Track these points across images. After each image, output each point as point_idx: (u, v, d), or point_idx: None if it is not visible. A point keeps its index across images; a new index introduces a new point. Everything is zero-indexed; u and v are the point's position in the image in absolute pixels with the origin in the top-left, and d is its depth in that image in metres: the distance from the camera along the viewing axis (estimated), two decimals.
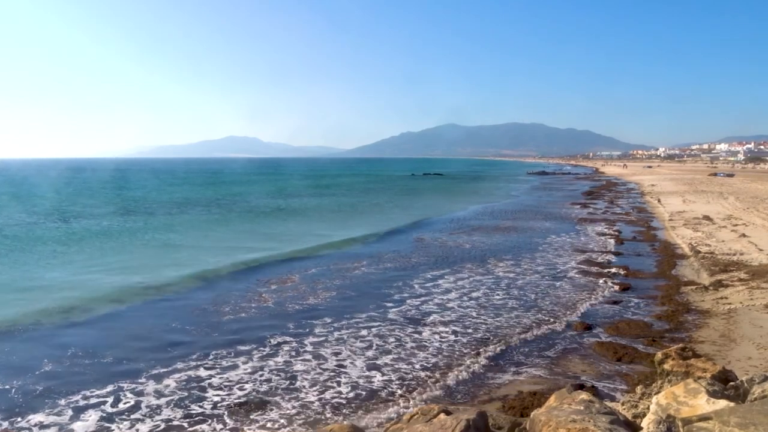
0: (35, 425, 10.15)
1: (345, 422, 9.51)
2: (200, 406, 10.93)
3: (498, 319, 16.67)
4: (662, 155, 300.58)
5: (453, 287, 20.60)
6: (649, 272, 22.89)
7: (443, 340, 14.81)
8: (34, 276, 22.64)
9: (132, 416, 10.50)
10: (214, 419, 10.41)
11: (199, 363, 13.13)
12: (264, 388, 11.78)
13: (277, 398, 11.26)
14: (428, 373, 12.56)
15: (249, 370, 12.69)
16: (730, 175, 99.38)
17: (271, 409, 10.78)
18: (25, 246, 29.80)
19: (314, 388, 11.75)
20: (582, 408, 4.83)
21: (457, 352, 13.89)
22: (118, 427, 10.12)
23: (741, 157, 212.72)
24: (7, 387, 11.67)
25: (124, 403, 11.02)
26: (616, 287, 20.28)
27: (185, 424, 10.24)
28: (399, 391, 11.63)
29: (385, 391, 11.67)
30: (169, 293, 19.98)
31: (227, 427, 10.13)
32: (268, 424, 10.20)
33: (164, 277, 22.12)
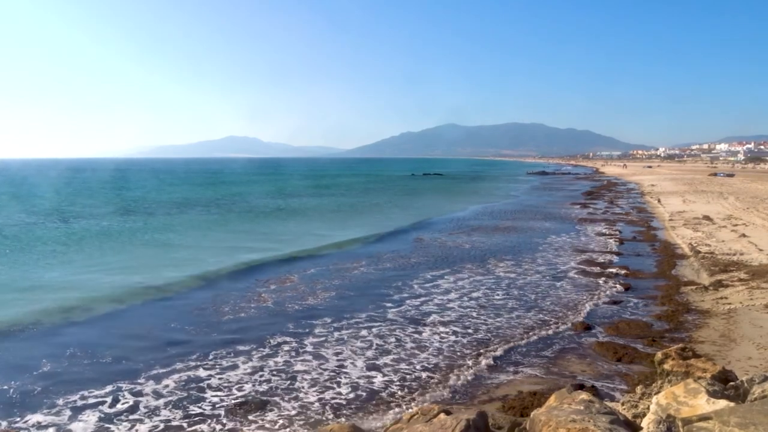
0: (33, 425, 10.12)
1: (345, 422, 9.50)
2: (199, 407, 10.91)
3: (498, 319, 16.66)
4: (662, 155, 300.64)
5: (453, 287, 20.60)
6: (649, 272, 22.88)
7: (443, 340, 14.80)
8: (33, 276, 22.64)
9: (131, 417, 10.47)
10: (214, 420, 10.38)
11: (198, 363, 13.12)
12: (264, 388, 11.76)
13: (277, 398, 11.24)
14: (428, 374, 12.55)
15: (248, 371, 12.67)
16: (730, 175, 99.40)
17: (271, 410, 10.76)
18: (25, 246, 29.79)
19: (314, 389, 11.73)
20: (582, 408, 4.82)
21: (458, 353, 13.88)
22: (117, 428, 10.09)
23: (741, 157, 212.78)
24: (6, 387, 11.66)
25: (123, 404, 10.99)
26: (616, 287, 20.28)
27: (184, 425, 10.22)
28: (399, 392, 11.62)
29: (386, 391, 11.65)
30: (169, 293, 19.96)
31: (226, 428, 10.11)
32: (268, 425, 10.18)
33: (163, 277, 22.11)
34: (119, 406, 10.88)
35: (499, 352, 13.86)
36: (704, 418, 3.79)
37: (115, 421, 10.33)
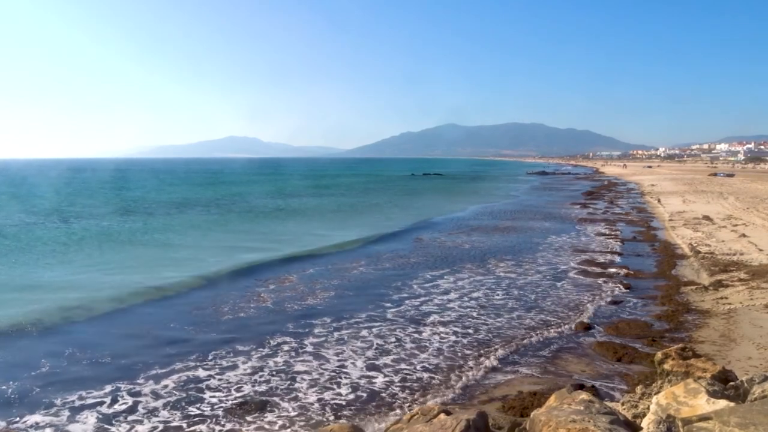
0: (32, 426, 10.10)
1: (345, 423, 9.49)
2: (199, 407, 10.88)
3: (498, 319, 16.65)
4: (662, 155, 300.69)
5: (452, 287, 20.59)
6: (649, 272, 22.88)
7: (443, 340, 14.78)
8: (32, 275, 22.63)
9: (129, 417, 10.44)
10: (213, 420, 10.36)
11: (197, 363, 13.09)
12: (263, 388, 11.73)
13: (277, 399, 11.22)
14: (429, 374, 12.54)
15: (248, 371, 12.65)
16: (730, 175, 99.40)
17: (271, 410, 10.73)
18: (24, 246, 29.78)
19: (314, 389, 11.70)
20: (582, 408, 4.82)
21: (458, 353, 13.87)
22: (116, 429, 10.06)
23: (741, 157, 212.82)
24: (5, 387, 11.63)
25: (122, 404, 10.96)
26: (616, 287, 20.28)
27: (183, 425, 10.19)
28: (400, 393, 11.60)
29: (386, 392, 11.64)
30: (168, 293, 19.94)
31: (225, 429, 10.08)
32: (268, 426, 10.17)
33: (163, 277, 22.10)
34: (118, 407, 10.85)
35: (499, 353, 13.85)
36: (704, 418, 3.78)
37: (113, 421, 10.30)
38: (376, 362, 13.21)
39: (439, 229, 37.31)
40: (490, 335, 15.20)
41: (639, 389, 6.01)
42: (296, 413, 10.63)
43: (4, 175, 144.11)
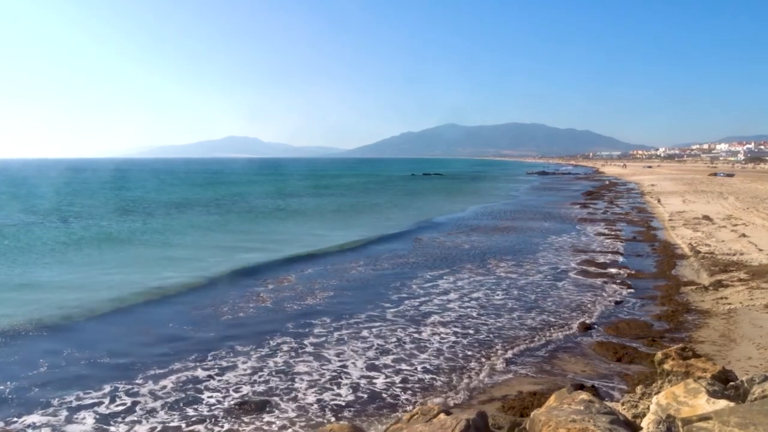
0: (29, 426, 10.09)
1: (345, 423, 9.48)
2: (198, 408, 10.85)
3: (499, 319, 16.64)
4: (662, 155, 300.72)
5: (452, 288, 20.57)
6: (649, 272, 22.87)
7: (443, 341, 14.77)
8: (31, 275, 22.61)
9: (127, 418, 10.40)
10: (212, 421, 10.33)
11: (196, 363, 13.07)
12: (263, 389, 11.71)
13: (277, 399, 11.19)
14: (429, 374, 12.52)
15: (247, 371, 12.63)
16: (730, 175, 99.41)
17: (271, 411, 10.71)
18: (24, 246, 29.77)
19: (314, 389, 11.68)
20: (582, 408, 4.81)
21: (458, 353, 13.86)
22: (114, 429, 10.03)
23: (741, 157, 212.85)
24: (2, 387, 11.62)
25: (120, 405, 10.93)
26: (616, 287, 20.27)
27: (182, 426, 10.16)
28: (399, 392, 11.59)
29: (386, 392, 11.62)
30: (167, 293, 19.91)
31: (224, 429, 10.06)
32: (267, 426, 10.15)
33: (162, 277, 22.09)
34: (116, 407, 10.82)
35: (499, 353, 13.84)
36: (704, 418, 3.77)
37: (111, 422, 10.27)
38: (377, 362, 13.19)
39: (439, 230, 37.31)
40: (490, 336, 15.18)
41: (639, 389, 6.00)
42: (296, 414, 10.60)
43: (4, 175, 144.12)
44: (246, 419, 10.37)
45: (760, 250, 24.39)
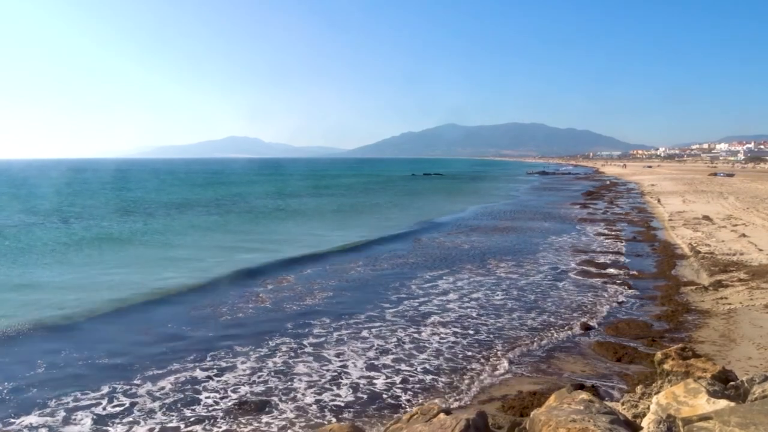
0: (26, 427, 10.06)
1: (345, 423, 9.47)
2: (196, 409, 10.81)
3: (499, 320, 16.62)
4: (662, 155, 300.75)
5: (452, 288, 20.56)
6: (649, 272, 22.86)
7: (443, 341, 14.75)
8: (31, 276, 22.60)
9: (125, 419, 10.37)
10: (210, 421, 10.30)
11: (195, 364, 13.05)
12: (262, 389, 11.68)
13: (276, 400, 11.16)
14: (429, 375, 12.51)
15: (247, 371, 12.60)
16: (730, 175, 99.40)
17: (270, 412, 10.69)
18: (24, 246, 29.76)
19: (313, 390, 11.65)
20: (582, 408, 4.80)
21: (458, 353, 13.85)
22: (112, 430, 9.99)
23: (741, 156, 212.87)
24: (0, 388, 11.59)
25: (118, 405, 10.90)
26: (616, 287, 20.26)
27: (181, 426, 10.13)
28: (400, 393, 11.57)
29: (386, 392, 11.60)
30: (167, 293, 19.88)
31: (223, 430, 10.02)
32: (266, 427, 10.12)
33: (162, 278, 22.09)
34: (114, 408, 10.78)
35: (499, 353, 13.83)
36: (704, 418, 3.77)
37: (109, 423, 10.23)
38: (376, 363, 13.17)
39: (439, 230, 37.29)
40: (490, 336, 15.16)
41: (639, 389, 5.99)
42: (295, 414, 10.57)
43: (5, 176, 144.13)
44: (245, 420, 10.34)
45: (760, 250, 24.38)
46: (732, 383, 5.18)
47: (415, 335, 15.17)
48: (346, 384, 11.96)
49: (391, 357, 13.54)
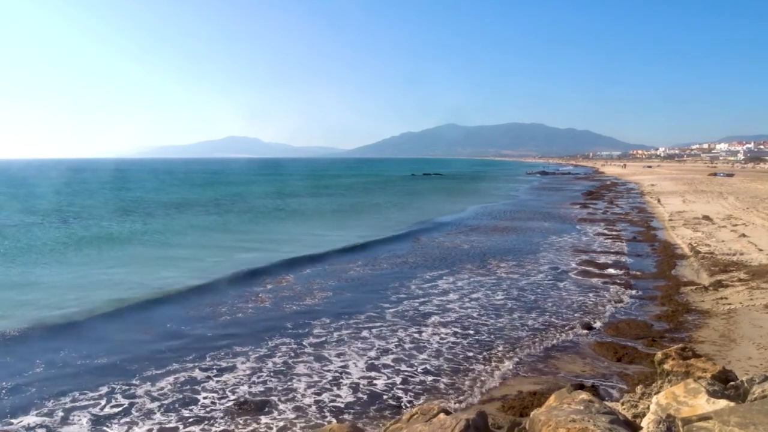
0: (24, 427, 10.03)
1: (345, 423, 9.46)
2: (195, 409, 10.79)
3: (499, 320, 16.61)
4: (662, 155, 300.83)
5: (452, 288, 20.54)
6: (649, 272, 22.86)
7: (443, 341, 14.75)
8: (30, 275, 22.56)
9: (123, 420, 10.33)
10: (209, 422, 10.27)
11: (194, 364, 13.03)
12: (262, 389, 11.66)
13: (276, 400, 11.16)
14: (429, 375, 12.49)
15: (246, 372, 12.58)
16: (730, 175, 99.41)
17: (270, 412, 10.67)
18: (23, 246, 29.73)
19: (313, 390, 11.63)
20: (582, 408, 4.79)
21: (458, 354, 13.84)
22: (111, 431, 9.99)
23: (741, 156, 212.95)
24: None
25: (117, 406, 10.87)
26: (616, 287, 20.26)
27: (179, 427, 10.11)
28: (400, 393, 11.56)
29: (387, 393, 11.57)
30: (166, 293, 19.83)
31: (222, 430, 10.00)
32: (265, 428, 10.11)
33: (161, 277, 22.06)
34: (112, 409, 10.74)
35: (499, 353, 13.82)
36: (704, 418, 3.76)
37: (107, 423, 10.20)
38: (376, 363, 13.16)
39: (439, 230, 37.28)
40: (491, 336, 15.15)
41: (639, 389, 5.99)
42: (294, 415, 10.56)
43: (5, 176, 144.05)
44: (244, 420, 10.32)
45: (760, 250, 24.38)
46: (732, 383, 5.18)
47: (416, 335, 15.16)
48: (346, 384, 11.94)
49: (391, 357, 13.53)
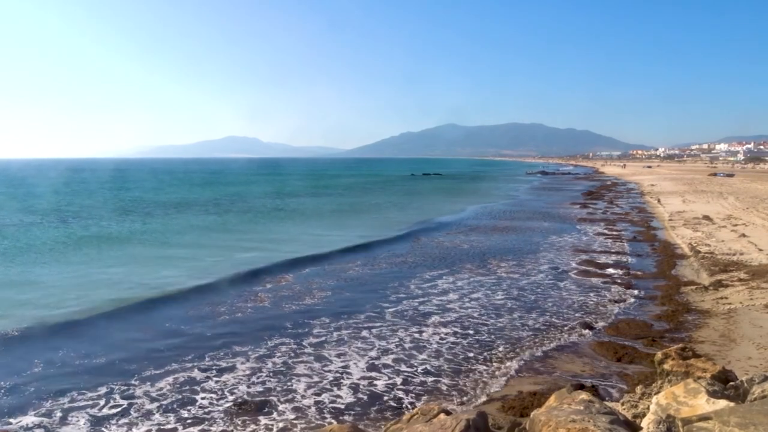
0: (22, 427, 10.01)
1: (345, 423, 9.45)
2: (194, 410, 10.77)
3: (499, 320, 16.60)
4: (662, 155, 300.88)
5: (452, 288, 20.53)
6: (649, 272, 22.85)
7: (443, 341, 14.74)
8: (29, 275, 22.54)
9: (122, 420, 10.31)
10: (209, 422, 10.25)
11: (193, 364, 13.01)
12: (261, 390, 11.65)
13: (275, 400, 11.14)
14: (429, 375, 12.48)
15: (246, 372, 12.56)
16: (730, 175, 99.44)
17: (269, 412, 10.66)
18: (23, 245, 29.70)
19: (313, 390, 11.61)
20: (582, 408, 4.78)
21: (458, 354, 13.83)
22: (109, 431, 9.98)
23: (741, 157, 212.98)
24: None
25: (115, 406, 10.84)
26: (616, 287, 20.26)
27: (178, 427, 10.08)
28: (400, 393, 11.55)
29: (387, 393, 11.56)
30: (165, 293, 19.82)
31: (221, 431, 9.99)
32: (265, 428, 10.09)
33: (160, 277, 22.05)
34: (111, 409, 10.72)
35: (500, 353, 13.81)
36: (704, 418, 3.75)
37: (106, 424, 10.18)
38: (376, 363, 13.14)
39: (439, 229, 37.27)
40: (491, 336, 15.14)
41: (639, 389, 5.98)
42: (294, 415, 10.54)
43: (4, 175, 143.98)
44: (243, 421, 10.30)
45: (760, 250, 24.38)
46: (732, 383, 5.16)
47: (416, 335, 15.15)
48: (346, 385, 11.92)
49: (391, 357, 13.52)
